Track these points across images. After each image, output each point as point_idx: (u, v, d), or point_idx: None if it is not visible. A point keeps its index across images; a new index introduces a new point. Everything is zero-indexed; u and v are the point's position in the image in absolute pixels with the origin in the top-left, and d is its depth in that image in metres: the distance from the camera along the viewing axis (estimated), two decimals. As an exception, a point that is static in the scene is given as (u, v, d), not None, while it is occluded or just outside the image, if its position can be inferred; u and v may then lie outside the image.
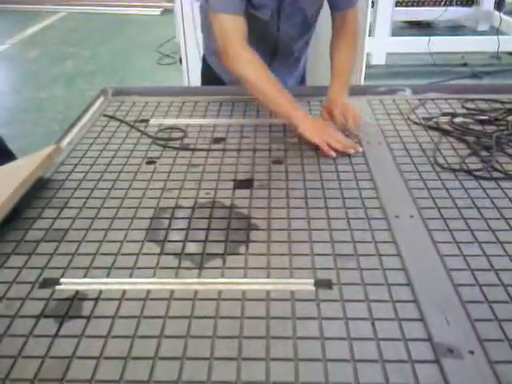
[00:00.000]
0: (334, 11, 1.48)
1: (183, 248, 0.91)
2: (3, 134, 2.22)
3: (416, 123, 1.39)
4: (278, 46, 1.53)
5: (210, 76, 1.69)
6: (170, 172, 1.17)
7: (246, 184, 1.11)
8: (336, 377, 0.66)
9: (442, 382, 0.65)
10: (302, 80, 1.81)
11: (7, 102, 4.06)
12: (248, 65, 1.29)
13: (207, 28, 1.51)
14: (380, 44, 4.43)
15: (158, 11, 6.51)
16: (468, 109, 1.46)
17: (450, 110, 1.46)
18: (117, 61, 4.90)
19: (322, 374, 0.66)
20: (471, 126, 1.35)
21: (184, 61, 2.69)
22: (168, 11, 6.06)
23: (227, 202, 1.05)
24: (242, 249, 0.91)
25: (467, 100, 1.52)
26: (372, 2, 3.75)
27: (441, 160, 1.20)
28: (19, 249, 0.91)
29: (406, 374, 0.67)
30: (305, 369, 0.67)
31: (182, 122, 1.42)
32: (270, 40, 1.50)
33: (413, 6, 5.19)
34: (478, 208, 1.01)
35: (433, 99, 1.54)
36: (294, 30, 1.49)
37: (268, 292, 0.80)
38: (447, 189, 1.08)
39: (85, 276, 0.84)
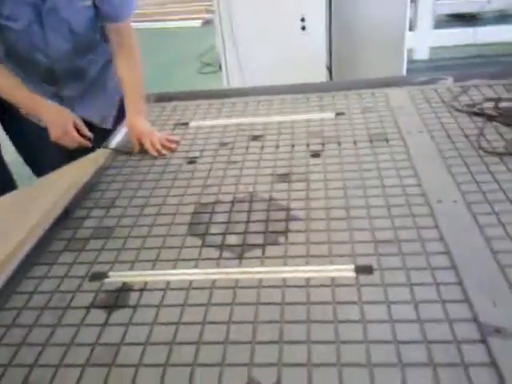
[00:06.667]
0: (105, 23, 1.39)
1: (224, 240, 0.93)
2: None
3: (459, 110, 1.36)
4: (54, 65, 1.38)
5: None
6: (210, 170, 1.19)
7: (285, 178, 1.12)
8: (378, 357, 0.66)
9: (489, 361, 0.64)
10: (120, 114, 1.52)
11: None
12: None
13: None
14: (422, 38, 4.33)
15: (198, 23, 6.65)
16: (513, 93, 1.41)
17: (494, 96, 1.42)
18: (159, 71, 5.02)
19: (364, 355, 0.66)
20: (517, 110, 1.30)
21: (224, 67, 2.74)
22: (208, 22, 6.17)
23: (266, 196, 1.06)
24: (282, 239, 0.92)
25: (512, 84, 1.47)
26: (412, -4, 3.68)
27: (485, 145, 1.16)
28: (70, 246, 0.96)
29: (451, 354, 0.65)
30: (346, 350, 0.67)
31: (221, 122, 1.45)
32: (41, 58, 1.35)
33: (456, -2, 5.05)
34: (525, 190, 0.98)
35: (476, 86, 1.50)
36: (66, 45, 1.36)
37: (308, 279, 0.81)
38: (492, 173, 1.05)
39: (131, 269, 0.87)
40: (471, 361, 0.64)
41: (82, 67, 1.44)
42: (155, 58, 5.48)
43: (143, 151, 1.31)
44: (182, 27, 6.61)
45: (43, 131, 1.44)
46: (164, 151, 1.29)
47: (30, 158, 1.56)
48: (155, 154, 1.29)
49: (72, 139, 1.33)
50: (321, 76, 2.77)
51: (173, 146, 1.32)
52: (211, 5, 3.20)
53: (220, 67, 2.83)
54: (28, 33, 1.29)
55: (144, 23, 6.79)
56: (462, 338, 0.67)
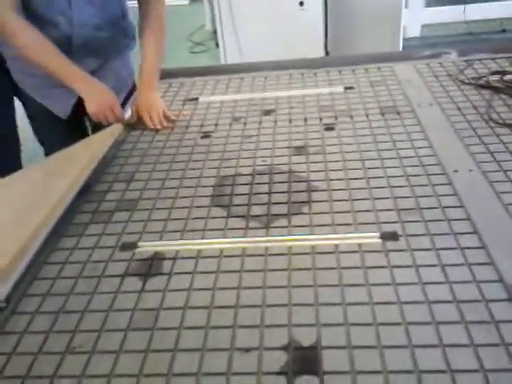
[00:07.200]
0: None
1: (248, 211, 0.95)
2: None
3: (465, 83, 1.38)
4: (73, 33, 1.32)
5: None
6: (225, 144, 1.20)
7: (301, 150, 1.14)
8: (412, 317, 0.68)
9: (518, 318, 0.67)
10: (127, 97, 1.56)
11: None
12: (24, 33, 1.21)
13: None
14: (415, 16, 4.34)
15: (186, 0, 6.54)
16: (518, 66, 1.44)
17: (499, 69, 1.44)
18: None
19: (399, 315, 0.69)
20: (523, 83, 1.33)
21: (221, 44, 2.73)
22: (196, 0, 6.09)
23: (285, 168, 1.08)
24: (306, 209, 0.94)
25: (516, 58, 1.49)
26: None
27: (494, 116, 1.19)
28: (96, 218, 0.97)
29: (481, 312, 0.68)
30: (381, 311, 0.70)
31: (230, 97, 1.46)
32: (63, 23, 1.30)
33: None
34: (538, 159, 1.01)
35: (480, 59, 1.52)
36: (89, 9, 1.32)
37: (336, 246, 0.83)
38: (504, 143, 1.08)
39: (160, 239, 0.89)
40: (500, 318, 0.67)
41: (98, 42, 1.39)
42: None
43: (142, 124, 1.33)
44: (169, 5, 6.49)
45: (45, 109, 1.43)
46: (159, 127, 1.30)
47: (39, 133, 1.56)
48: (152, 127, 1.30)
49: (116, 115, 1.30)
50: (318, 52, 2.78)
51: (164, 124, 1.31)
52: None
53: (217, 44, 2.82)
54: None
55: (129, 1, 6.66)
56: (490, 298, 0.71)
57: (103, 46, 1.42)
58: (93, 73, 1.37)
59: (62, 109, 1.42)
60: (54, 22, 1.28)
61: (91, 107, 1.28)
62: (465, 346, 0.64)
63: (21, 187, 1.05)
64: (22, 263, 0.84)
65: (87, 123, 1.54)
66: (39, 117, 1.52)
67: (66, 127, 1.46)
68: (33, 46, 1.22)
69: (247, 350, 0.66)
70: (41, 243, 0.89)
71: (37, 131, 1.61)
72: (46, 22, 1.27)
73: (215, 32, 4.11)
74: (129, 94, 1.56)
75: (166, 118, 1.33)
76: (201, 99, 1.47)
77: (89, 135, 1.49)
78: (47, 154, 1.51)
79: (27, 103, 1.55)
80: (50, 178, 1.03)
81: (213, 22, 4.63)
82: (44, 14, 1.26)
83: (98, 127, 1.39)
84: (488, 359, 0.62)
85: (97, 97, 1.28)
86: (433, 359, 0.63)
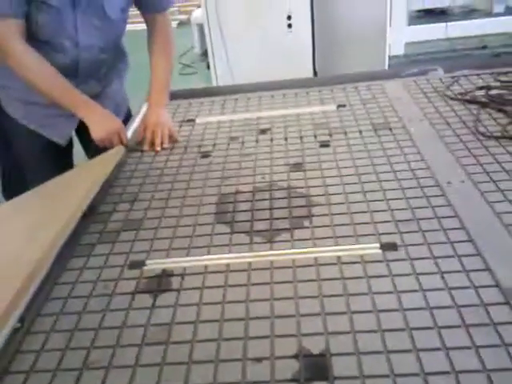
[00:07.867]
0: (142, 12, 1.47)
1: (252, 226, 0.98)
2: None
3: (453, 98, 1.44)
4: (79, 56, 1.35)
5: None
6: (224, 162, 1.24)
7: (299, 167, 1.18)
8: (415, 323, 0.72)
9: (516, 320, 0.70)
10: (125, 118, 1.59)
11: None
12: (28, 58, 1.23)
13: None
14: (398, 34, 4.45)
15: (173, 24, 6.64)
16: (502, 81, 1.50)
17: (484, 84, 1.50)
18: (140, 74, 5.01)
19: (403, 322, 0.72)
20: (507, 97, 1.39)
21: (212, 66, 2.79)
22: (184, 24, 6.19)
23: (284, 184, 1.11)
24: (307, 223, 0.97)
25: (500, 73, 1.55)
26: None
27: (482, 129, 1.24)
28: (103, 238, 0.99)
29: (480, 316, 0.72)
30: (385, 318, 0.73)
31: (227, 118, 1.50)
32: (69, 45, 1.32)
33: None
34: (525, 169, 1.06)
35: (465, 76, 1.59)
36: (95, 32, 1.34)
37: (339, 257, 0.86)
38: (493, 155, 1.13)
39: (167, 257, 0.92)
40: (499, 320, 0.71)
41: (102, 64, 1.43)
42: (135, 61, 5.45)
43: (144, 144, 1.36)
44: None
45: (36, 138, 1.44)
46: (158, 148, 1.33)
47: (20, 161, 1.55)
48: (150, 144, 1.34)
49: (120, 140, 1.32)
50: (307, 72, 2.85)
51: (166, 144, 1.34)
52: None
53: (208, 66, 2.88)
54: (60, 14, 1.25)
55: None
56: (488, 302, 0.74)
57: (105, 69, 1.47)
58: (95, 97, 1.40)
59: (61, 135, 1.44)
60: (61, 46, 1.30)
61: (97, 133, 1.30)
62: (467, 348, 0.67)
63: (26, 211, 1.07)
64: (23, 301, 0.82)
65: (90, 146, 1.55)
66: (25, 147, 1.51)
67: (53, 158, 1.48)
68: (37, 71, 1.24)
69: (259, 359, 0.69)
70: (50, 264, 0.91)
71: (18, 160, 1.58)
72: (53, 46, 1.29)
73: (203, 54, 4.19)
74: (124, 120, 1.58)
75: (170, 137, 1.36)
76: (198, 120, 1.51)
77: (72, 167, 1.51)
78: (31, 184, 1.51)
79: (12, 134, 1.51)
80: (55, 201, 1.05)
81: (201, 44, 4.73)
82: (51, 39, 1.28)
83: (96, 151, 1.41)
84: (490, 360, 0.65)
85: (102, 122, 1.30)
86: (437, 361, 0.66)
